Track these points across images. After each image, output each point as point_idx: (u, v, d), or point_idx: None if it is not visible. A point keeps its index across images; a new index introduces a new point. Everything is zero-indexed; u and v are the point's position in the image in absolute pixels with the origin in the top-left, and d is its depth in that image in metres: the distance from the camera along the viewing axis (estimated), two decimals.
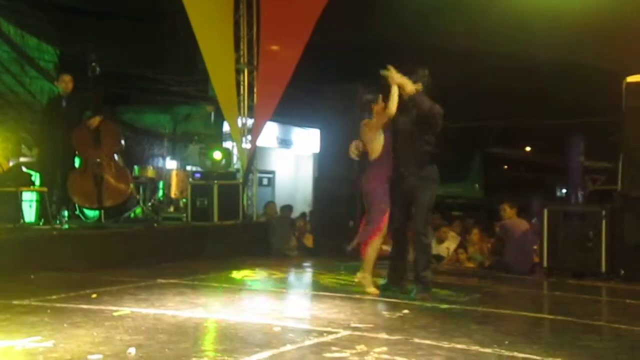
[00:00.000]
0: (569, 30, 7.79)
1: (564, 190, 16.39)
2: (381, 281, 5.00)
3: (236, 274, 5.78)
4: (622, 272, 6.02)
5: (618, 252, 6.11)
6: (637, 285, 5.70)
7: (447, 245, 7.78)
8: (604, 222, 6.18)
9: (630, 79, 6.26)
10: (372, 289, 4.79)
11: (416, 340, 3.30)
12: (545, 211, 6.47)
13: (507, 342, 3.31)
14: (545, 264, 6.39)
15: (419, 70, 4.87)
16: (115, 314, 3.73)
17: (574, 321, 4.08)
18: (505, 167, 20.43)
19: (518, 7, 7.58)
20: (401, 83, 4.72)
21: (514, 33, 7.84)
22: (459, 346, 3.20)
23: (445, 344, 3.23)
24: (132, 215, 7.47)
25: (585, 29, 7.55)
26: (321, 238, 7.74)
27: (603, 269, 6.11)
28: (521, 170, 20.32)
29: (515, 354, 3.08)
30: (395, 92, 4.73)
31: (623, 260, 6.07)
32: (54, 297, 4.18)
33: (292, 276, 6.08)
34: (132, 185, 6.74)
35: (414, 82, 4.78)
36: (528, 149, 20.21)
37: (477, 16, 7.82)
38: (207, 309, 4.06)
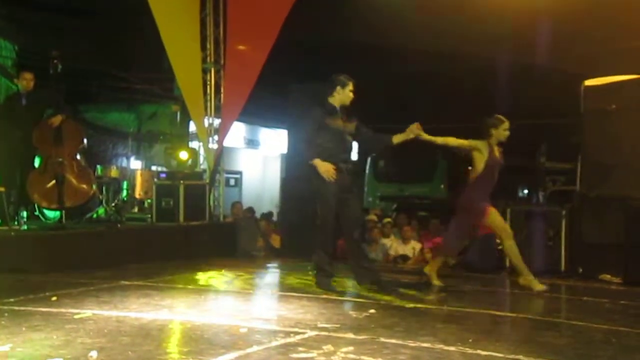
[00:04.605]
0: (529, 33, 8.00)
1: (526, 191, 16.77)
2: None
3: (202, 275, 5.72)
4: (580, 270, 6.20)
5: (576, 251, 6.29)
6: (594, 283, 5.88)
7: (413, 245, 7.87)
8: (563, 221, 6.35)
9: (588, 82, 6.44)
10: (540, 286, 5.16)
11: (382, 339, 3.32)
12: (508, 211, 6.60)
13: (470, 340, 3.37)
14: (508, 262, 6.52)
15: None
16: (76, 316, 3.64)
17: (534, 318, 4.17)
18: (470, 167, 20.79)
19: (480, 10, 7.73)
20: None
21: (477, 36, 8.02)
22: (424, 345, 3.24)
23: (411, 343, 3.26)
24: (95, 216, 7.31)
25: (546, 33, 7.77)
26: (288, 239, 7.72)
27: (562, 267, 6.28)
28: None
29: (479, 351, 3.14)
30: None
31: (581, 258, 6.25)
32: (11, 300, 4.05)
33: (258, 277, 6.05)
34: (94, 186, 6.60)
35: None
36: None
37: (441, 18, 7.95)
38: (172, 311, 4.00)
